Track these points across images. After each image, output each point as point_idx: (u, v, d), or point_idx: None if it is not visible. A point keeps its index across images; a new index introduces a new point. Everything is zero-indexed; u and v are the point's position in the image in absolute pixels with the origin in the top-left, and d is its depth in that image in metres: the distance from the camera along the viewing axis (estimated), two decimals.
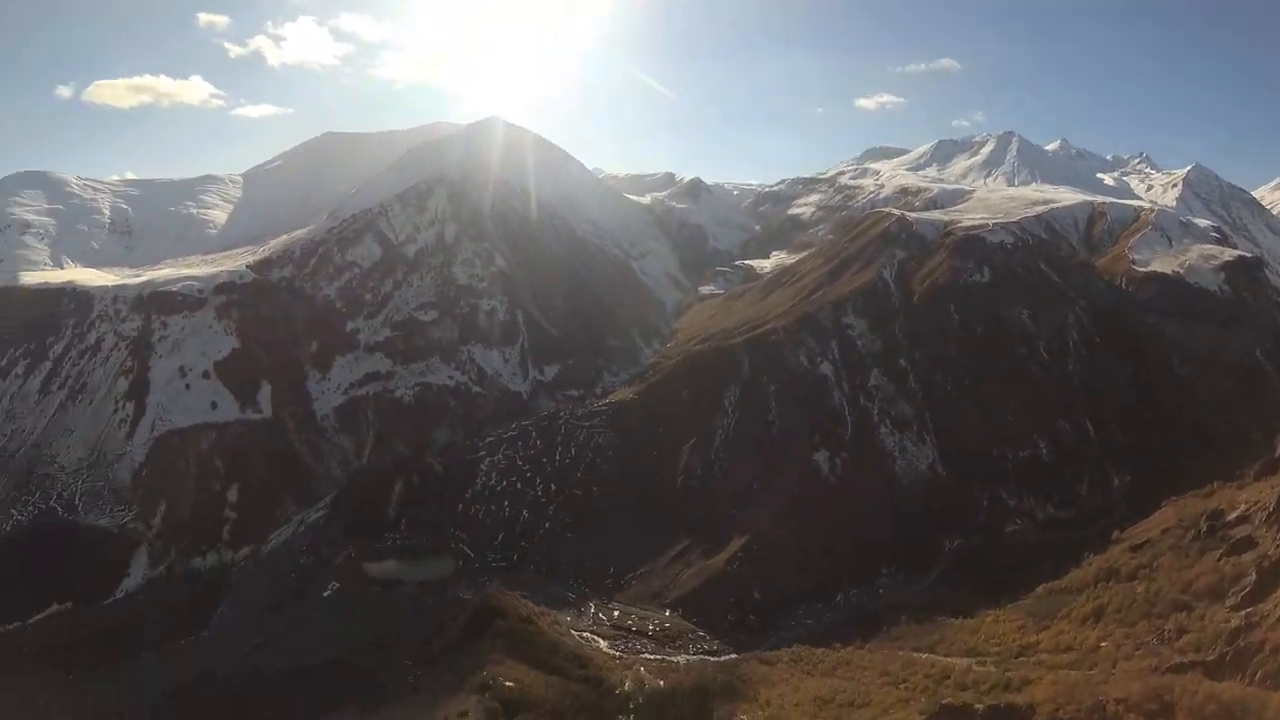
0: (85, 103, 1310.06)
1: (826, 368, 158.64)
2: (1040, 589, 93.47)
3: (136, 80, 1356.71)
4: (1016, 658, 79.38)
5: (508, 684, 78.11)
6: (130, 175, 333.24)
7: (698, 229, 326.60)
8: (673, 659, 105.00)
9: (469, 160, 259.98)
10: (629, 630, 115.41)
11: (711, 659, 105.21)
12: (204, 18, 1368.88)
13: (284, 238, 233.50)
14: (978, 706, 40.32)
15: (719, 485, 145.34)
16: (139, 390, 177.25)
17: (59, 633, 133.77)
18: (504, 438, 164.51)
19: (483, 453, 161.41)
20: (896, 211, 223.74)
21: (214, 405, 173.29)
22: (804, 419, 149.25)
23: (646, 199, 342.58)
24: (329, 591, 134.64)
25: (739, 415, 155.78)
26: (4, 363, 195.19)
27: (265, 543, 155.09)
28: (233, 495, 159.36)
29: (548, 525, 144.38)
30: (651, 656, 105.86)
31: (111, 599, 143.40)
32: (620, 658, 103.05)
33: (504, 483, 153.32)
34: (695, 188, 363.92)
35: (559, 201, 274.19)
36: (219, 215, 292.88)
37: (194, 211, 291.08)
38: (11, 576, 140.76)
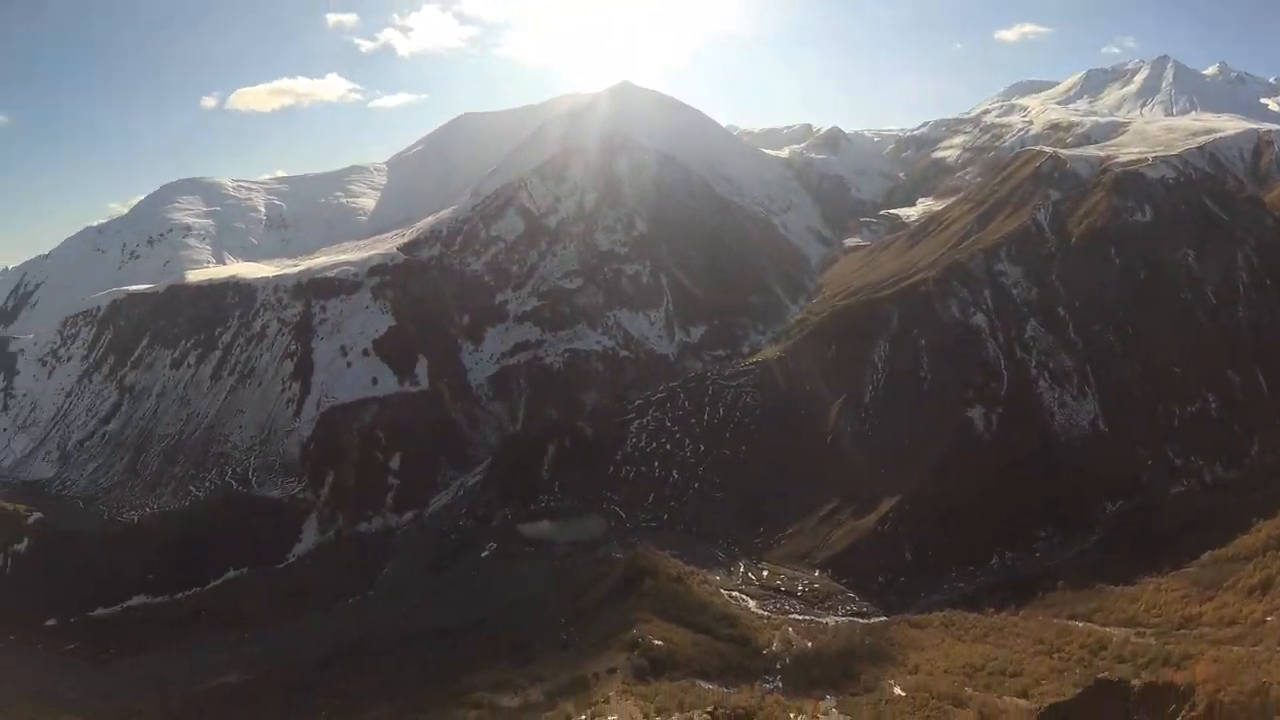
0: (230, 110, 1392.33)
1: (980, 319, 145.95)
2: (1206, 556, 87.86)
3: (276, 84, 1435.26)
4: (1177, 630, 75.61)
5: (656, 642, 77.12)
6: (280, 173, 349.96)
7: (838, 180, 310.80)
8: (821, 620, 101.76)
9: (603, 128, 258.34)
10: (778, 590, 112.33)
11: (860, 621, 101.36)
12: (333, 18, 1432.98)
13: (430, 218, 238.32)
14: (1134, 683, 34.73)
15: (869, 444, 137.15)
16: (303, 371, 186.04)
17: (235, 596, 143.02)
18: (652, 400, 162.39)
19: (632, 415, 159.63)
20: (1048, 149, 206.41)
21: (374, 380, 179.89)
22: (957, 373, 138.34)
23: (784, 153, 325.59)
24: (486, 552, 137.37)
25: (889, 371, 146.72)
26: (177, 354, 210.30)
27: (426, 507, 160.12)
28: (395, 463, 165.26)
29: (697, 486, 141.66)
30: (800, 617, 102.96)
31: (284, 564, 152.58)
32: (768, 618, 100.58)
33: (653, 444, 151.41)
34: (834, 138, 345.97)
35: (696, 161, 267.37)
36: (367, 202, 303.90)
37: (343, 201, 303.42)
38: (193, 546, 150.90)
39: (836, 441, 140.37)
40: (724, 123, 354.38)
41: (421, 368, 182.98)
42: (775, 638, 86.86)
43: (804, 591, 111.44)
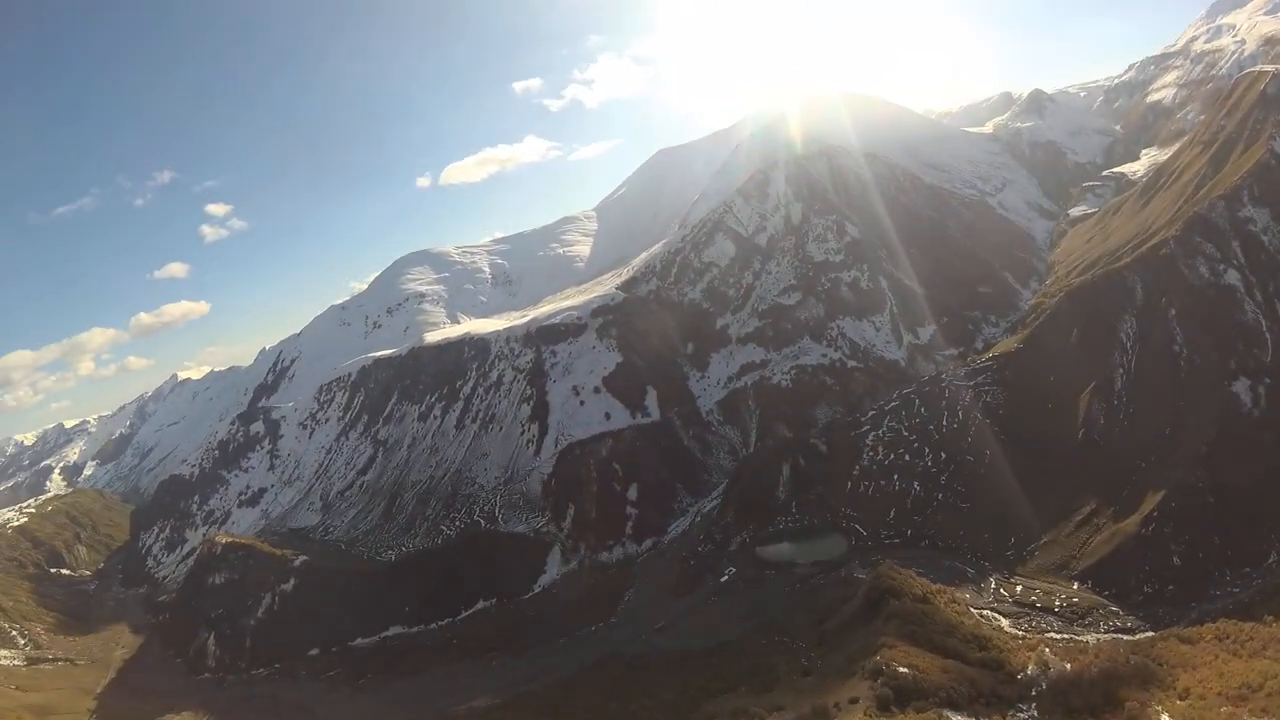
0: (444, 185, 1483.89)
1: (1232, 276, 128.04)
2: None
3: (480, 155, 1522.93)
4: None
5: (901, 669, 72.65)
6: (498, 234, 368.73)
7: (1052, 146, 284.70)
8: (1081, 638, 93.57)
9: (798, 138, 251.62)
10: (1033, 606, 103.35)
11: (1125, 637, 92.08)
12: (519, 85, 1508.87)
13: (643, 255, 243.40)
14: None
15: (1125, 435, 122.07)
16: (540, 412, 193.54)
17: (484, 626, 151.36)
18: (885, 409, 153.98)
19: (866, 427, 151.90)
20: (1269, 68, 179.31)
21: (607, 416, 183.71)
22: (1215, 343, 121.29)
23: (988, 127, 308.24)
24: (726, 576, 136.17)
25: (1139, 349, 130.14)
26: (423, 408, 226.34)
27: (665, 534, 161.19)
28: (632, 494, 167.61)
29: (940, 497, 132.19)
30: (1058, 635, 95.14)
31: (529, 594, 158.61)
32: (1023, 637, 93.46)
33: (890, 456, 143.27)
34: (1037, 100, 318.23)
35: (898, 154, 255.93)
36: (582, 249, 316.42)
37: (560, 251, 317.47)
38: (444, 581, 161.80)
39: (1089, 435, 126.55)
40: (918, 110, 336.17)
41: (651, 399, 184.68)
42: (1031, 660, 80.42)
43: (1062, 607, 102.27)
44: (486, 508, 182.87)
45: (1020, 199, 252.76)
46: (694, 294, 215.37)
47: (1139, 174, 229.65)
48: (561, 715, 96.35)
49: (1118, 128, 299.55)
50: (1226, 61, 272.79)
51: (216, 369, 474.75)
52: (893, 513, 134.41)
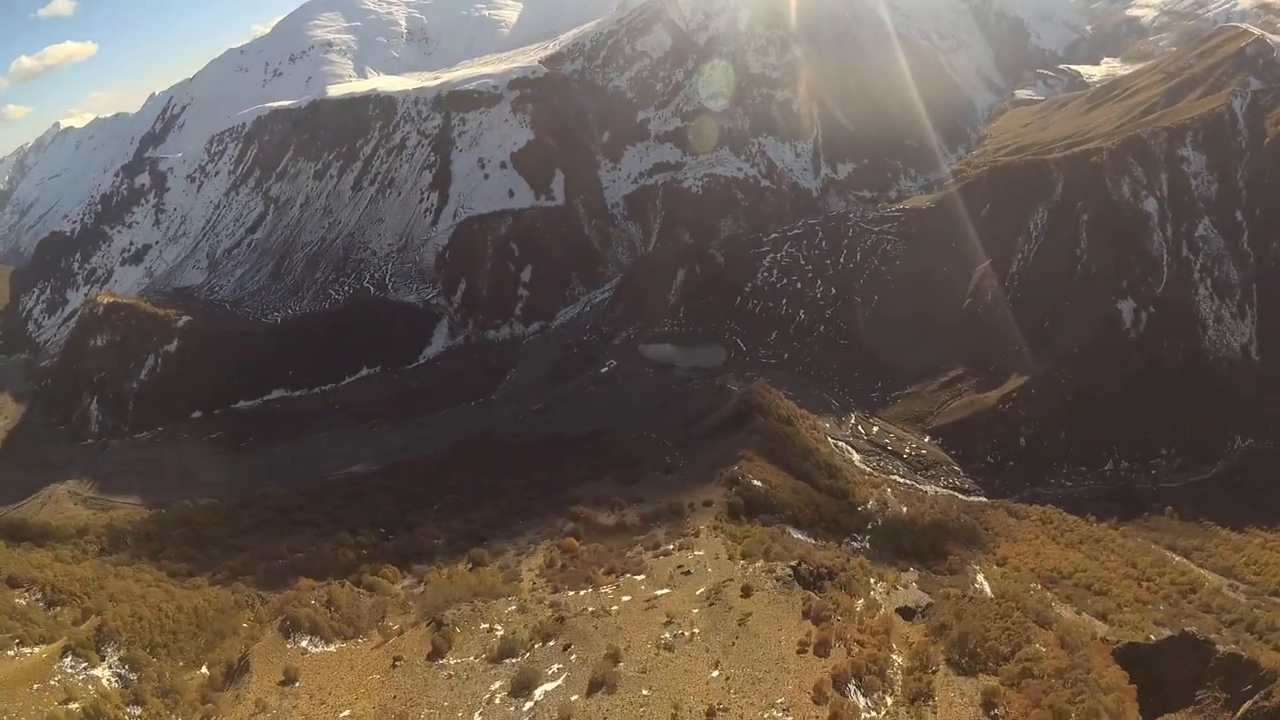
0: None
1: (1151, 204, 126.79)
2: None
3: None
4: (1272, 594, 74.82)
5: (755, 482, 74.90)
6: None
7: (1018, 23, 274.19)
8: (921, 488, 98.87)
9: None
10: (884, 449, 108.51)
11: (960, 497, 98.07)
12: None
13: (574, 32, 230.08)
14: (1218, 647, 34.30)
15: (1007, 316, 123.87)
16: (442, 182, 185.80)
17: (367, 393, 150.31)
18: (789, 235, 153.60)
19: (766, 248, 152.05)
20: (1255, 30, 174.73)
21: (511, 194, 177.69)
22: (1115, 260, 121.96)
23: None
24: (606, 368, 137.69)
25: (1042, 242, 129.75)
26: (320, 166, 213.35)
27: (553, 320, 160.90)
28: (526, 275, 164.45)
29: (821, 329, 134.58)
30: (901, 480, 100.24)
31: (414, 365, 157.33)
32: (870, 475, 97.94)
33: (784, 280, 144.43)
34: None
35: None
36: (510, 15, 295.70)
37: (485, 14, 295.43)
38: (330, 346, 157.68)
39: (974, 307, 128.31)
40: None
41: (558, 183, 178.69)
42: (873, 497, 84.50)
43: (910, 455, 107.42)
44: (378, 275, 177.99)
45: (971, 65, 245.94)
46: (619, 81, 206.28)
47: (1094, 79, 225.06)
48: (435, 485, 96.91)
49: (1088, 28, 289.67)
50: (1217, 7, 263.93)
51: (102, 116, 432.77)
52: (774, 335, 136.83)
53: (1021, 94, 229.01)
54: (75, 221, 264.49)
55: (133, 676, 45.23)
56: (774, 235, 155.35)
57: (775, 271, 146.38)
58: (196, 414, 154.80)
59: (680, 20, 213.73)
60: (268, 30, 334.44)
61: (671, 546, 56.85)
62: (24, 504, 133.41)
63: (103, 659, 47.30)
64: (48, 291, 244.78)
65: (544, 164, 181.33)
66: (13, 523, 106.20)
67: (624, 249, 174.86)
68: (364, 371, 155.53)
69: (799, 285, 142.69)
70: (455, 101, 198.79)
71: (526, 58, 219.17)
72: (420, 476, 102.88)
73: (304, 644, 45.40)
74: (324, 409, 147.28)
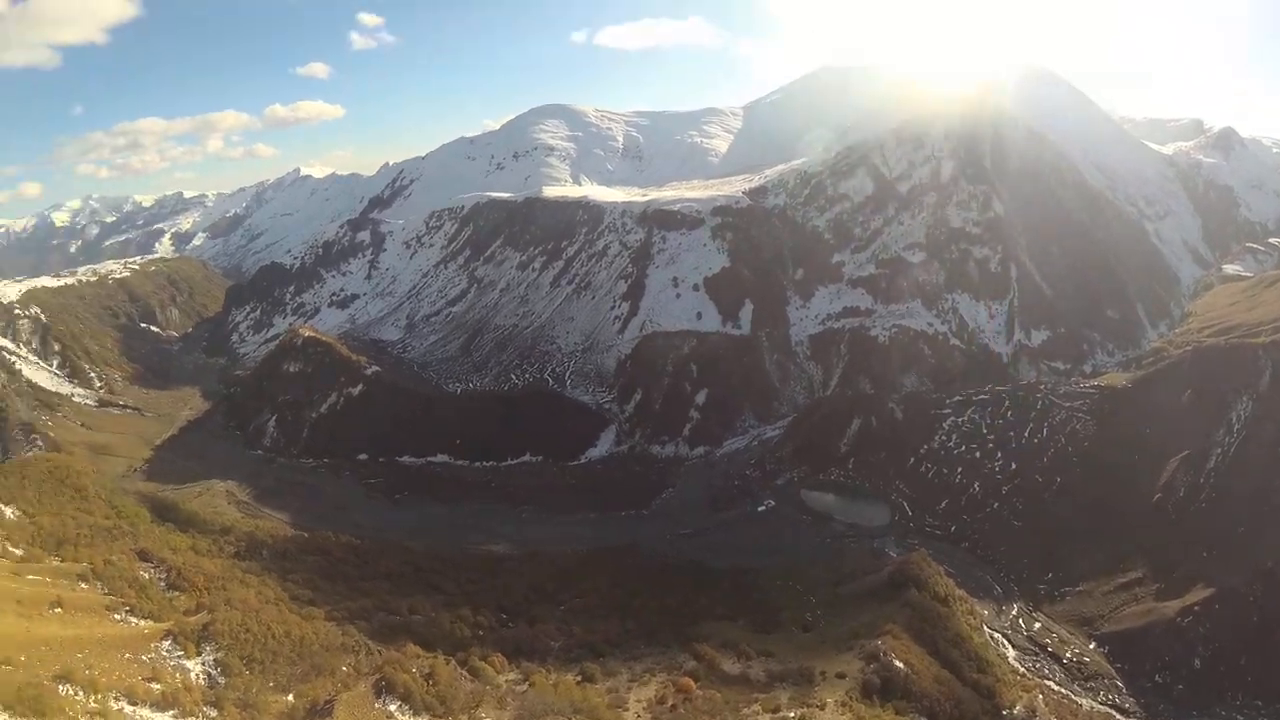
0: (597, 46, 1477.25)
1: None
2: None
3: (642, 24, 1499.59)
4: None
5: (897, 662, 69.89)
6: (640, 107, 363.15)
7: (1227, 191, 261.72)
8: (1077, 700, 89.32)
9: (972, 95, 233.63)
10: (1043, 649, 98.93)
11: (1118, 717, 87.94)
12: None
13: (780, 167, 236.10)
14: None
15: (1199, 516, 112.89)
16: (635, 293, 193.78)
17: (525, 478, 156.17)
18: (974, 400, 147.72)
19: (948, 411, 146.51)
20: None
21: (699, 316, 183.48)
22: None
23: (1168, 149, 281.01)
24: (764, 506, 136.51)
25: (1245, 435, 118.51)
26: (525, 258, 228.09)
27: (719, 447, 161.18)
28: (701, 398, 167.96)
29: (996, 505, 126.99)
30: (1056, 688, 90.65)
31: (576, 462, 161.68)
32: (1022, 676, 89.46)
33: (962, 447, 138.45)
34: (1226, 139, 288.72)
35: (1068, 144, 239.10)
36: (720, 144, 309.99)
37: (697, 140, 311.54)
38: (500, 426, 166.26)
39: (1164, 502, 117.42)
40: (1102, 104, 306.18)
41: (746, 313, 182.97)
42: (1021, 701, 77.07)
43: (1071, 661, 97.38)
44: (558, 370, 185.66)
45: (1178, 235, 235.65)
46: (819, 221, 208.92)
47: None
48: (567, 585, 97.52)
49: None
50: None
51: (339, 173, 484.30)
52: (944, 503, 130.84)
53: (1229, 268, 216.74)
54: (296, 258, 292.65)
55: (221, 680, 47.64)
56: (958, 398, 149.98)
57: (954, 436, 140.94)
58: (362, 456, 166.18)
59: (884, 166, 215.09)
60: (498, 126, 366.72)
61: (792, 715, 54.61)
62: (182, 488, 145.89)
63: (199, 654, 50.39)
64: (258, 312, 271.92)
65: (735, 292, 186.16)
66: (165, 502, 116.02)
67: (801, 388, 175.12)
68: (526, 457, 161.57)
69: (977, 454, 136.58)
70: (659, 219, 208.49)
71: (731, 187, 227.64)
72: (555, 572, 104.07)
73: (391, 708, 45.98)
74: (481, 483, 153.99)
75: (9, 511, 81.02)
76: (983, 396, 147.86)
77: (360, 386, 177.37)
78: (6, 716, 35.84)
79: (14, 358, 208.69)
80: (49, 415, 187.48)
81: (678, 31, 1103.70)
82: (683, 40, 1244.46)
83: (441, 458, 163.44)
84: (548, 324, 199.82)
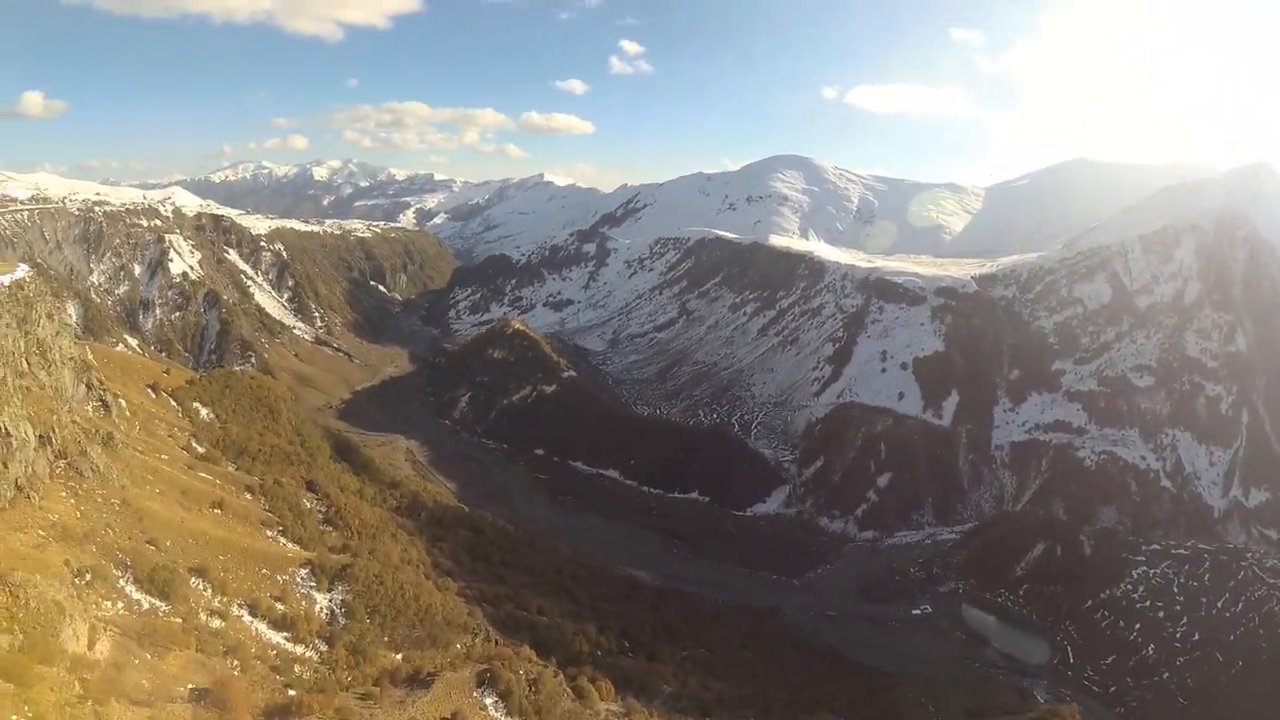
0: (847, 104, 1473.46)
1: None
2: None
3: (895, 87, 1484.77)
4: None
5: None
6: (880, 171, 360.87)
7: None
8: None
9: (1228, 212, 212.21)
10: None
11: None
12: (956, 33, 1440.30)
13: (1014, 258, 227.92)
14: None
15: None
16: (840, 359, 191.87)
17: (686, 514, 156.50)
18: (1171, 552, 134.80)
19: (1141, 559, 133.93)
20: None
21: (900, 396, 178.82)
22: None
23: None
24: (919, 610, 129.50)
25: None
26: (738, 300, 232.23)
27: (889, 536, 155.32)
28: (882, 481, 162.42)
29: (1166, 675, 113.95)
30: None
31: (741, 513, 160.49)
32: None
33: (1146, 602, 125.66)
34: None
35: None
36: (955, 222, 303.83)
37: (932, 214, 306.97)
38: (678, 459, 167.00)
39: None
40: None
41: (950, 404, 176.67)
42: None
43: None
44: (746, 418, 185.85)
45: None
46: (1045, 323, 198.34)
47: None
48: (697, 632, 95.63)
49: None
50: None
51: (578, 184, 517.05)
52: (1112, 659, 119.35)
53: None
54: (524, 255, 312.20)
55: (341, 620, 49.56)
56: (1155, 546, 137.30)
57: (1141, 588, 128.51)
58: (539, 451, 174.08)
59: (1125, 275, 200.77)
60: (736, 167, 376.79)
61: None
62: (368, 435, 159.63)
63: (329, 590, 52.85)
64: (478, 295, 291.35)
65: (943, 379, 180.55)
66: (348, 443, 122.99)
67: (990, 496, 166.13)
68: (694, 495, 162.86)
69: (1161, 614, 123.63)
70: (879, 289, 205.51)
71: (960, 269, 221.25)
72: (689, 615, 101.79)
73: (488, 701, 45.06)
74: (643, 508, 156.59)
75: (204, 412, 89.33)
76: (1182, 551, 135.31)
77: (554, 386, 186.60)
78: (134, 588, 40.18)
79: (250, 283, 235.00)
80: (268, 339, 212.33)
81: (929, 99, 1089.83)
82: (933, 109, 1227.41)
83: (612, 472, 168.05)
84: (747, 370, 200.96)
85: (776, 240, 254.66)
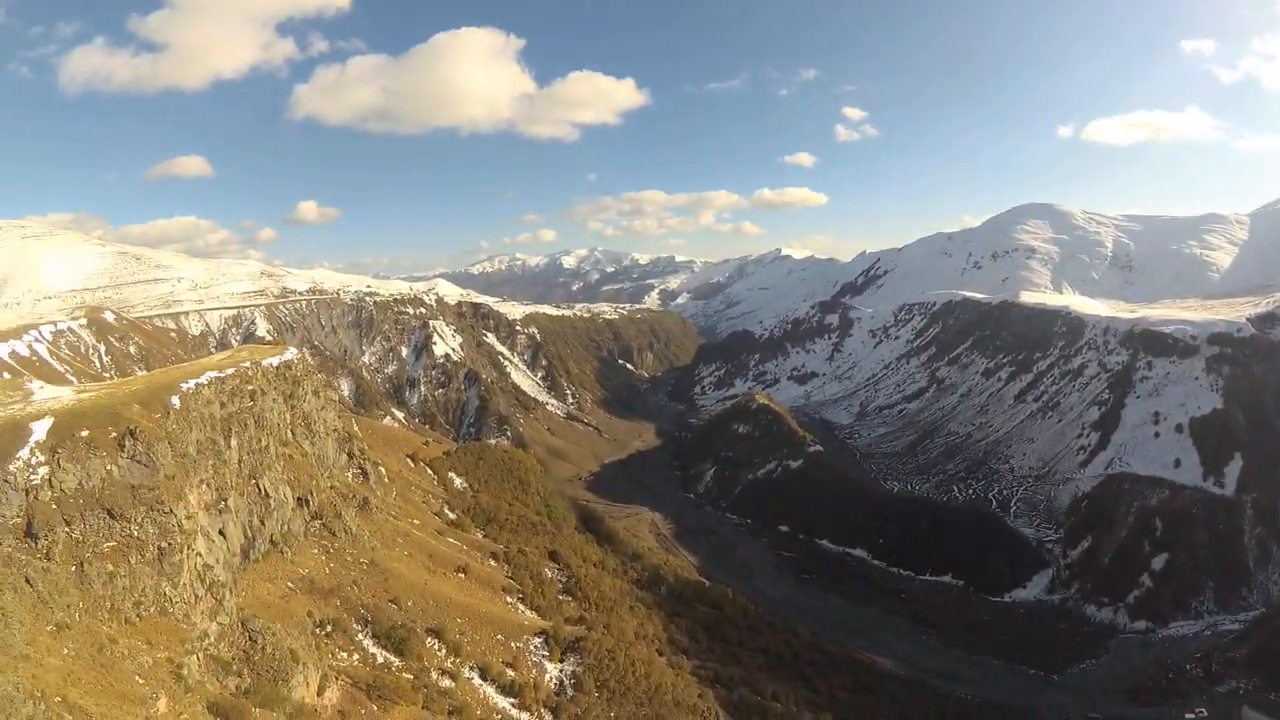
0: (1084, 141, 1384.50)
1: None
2: None
3: (1132, 117, 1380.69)
4: None
5: None
6: (1132, 210, 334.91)
7: None
8: None
9: None
10: None
11: None
12: (1188, 44, 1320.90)
13: None
14: None
15: None
16: (1107, 425, 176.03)
17: (937, 599, 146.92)
18: None
19: None
20: None
21: (1176, 464, 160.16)
22: None
23: None
24: (1193, 714, 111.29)
25: None
26: (991, 365, 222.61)
27: (1164, 625, 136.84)
28: (1158, 564, 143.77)
29: None
30: None
31: (996, 599, 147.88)
32: None
33: None
34: None
35: None
36: (1222, 258, 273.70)
37: (1195, 251, 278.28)
38: (929, 538, 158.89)
39: None
40: None
41: (1233, 470, 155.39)
42: None
43: None
44: (1004, 493, 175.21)
45: None
46: None
47: None
48: None
49: None
50: None
51: (816, 256, 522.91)
52: None
53: None
54: (766, 330, 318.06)
55: (569, 691, 50.95)
56: None
57: None
58: (783, 528, 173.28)
59: None
60: (976, 223, 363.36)
61: None
62: (614, 506, 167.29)
63: (561, 661, 54.66)
64: (722, 371, 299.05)
65: (1224, 441, 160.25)
66: (594, 515, 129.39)
67: None
68: (946, 578, 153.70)
69: None
70: (1146, 342, 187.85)
71: (1233, 310, 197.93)
72: (935, 714, 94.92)
73: None
74: (890, 589, 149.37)
75: (458, 481, 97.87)
76: None
77: (800, 461, 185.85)
78: (371, 641, 44.97)
79: (506, 362, 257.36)
80: (523, 414, 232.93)
81: (1172, 124, 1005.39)
82: (1178, 134, 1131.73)
83: (859, 552, 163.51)
84: (1003, 440, 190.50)
85: (1027, 297, 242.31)
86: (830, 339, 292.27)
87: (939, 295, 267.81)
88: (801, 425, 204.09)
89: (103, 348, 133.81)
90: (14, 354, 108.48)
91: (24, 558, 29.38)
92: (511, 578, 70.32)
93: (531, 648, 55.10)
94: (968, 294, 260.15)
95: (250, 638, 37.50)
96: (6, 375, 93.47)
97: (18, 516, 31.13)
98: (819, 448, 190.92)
